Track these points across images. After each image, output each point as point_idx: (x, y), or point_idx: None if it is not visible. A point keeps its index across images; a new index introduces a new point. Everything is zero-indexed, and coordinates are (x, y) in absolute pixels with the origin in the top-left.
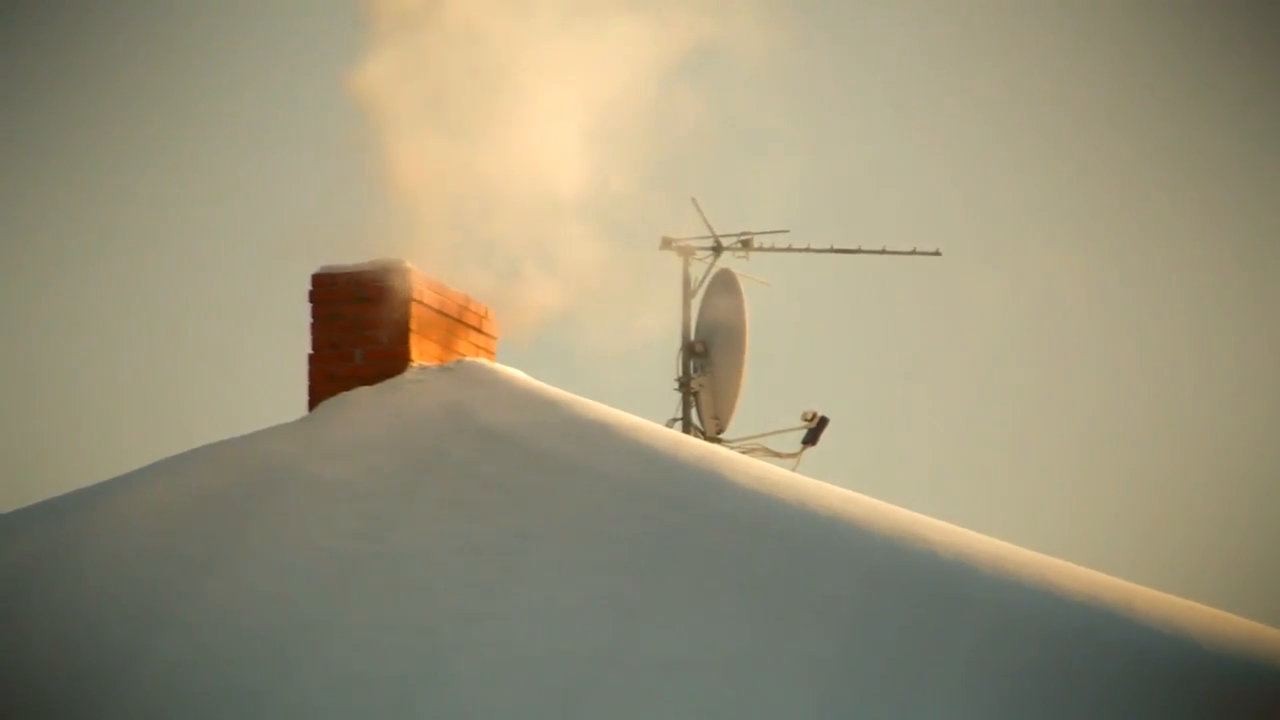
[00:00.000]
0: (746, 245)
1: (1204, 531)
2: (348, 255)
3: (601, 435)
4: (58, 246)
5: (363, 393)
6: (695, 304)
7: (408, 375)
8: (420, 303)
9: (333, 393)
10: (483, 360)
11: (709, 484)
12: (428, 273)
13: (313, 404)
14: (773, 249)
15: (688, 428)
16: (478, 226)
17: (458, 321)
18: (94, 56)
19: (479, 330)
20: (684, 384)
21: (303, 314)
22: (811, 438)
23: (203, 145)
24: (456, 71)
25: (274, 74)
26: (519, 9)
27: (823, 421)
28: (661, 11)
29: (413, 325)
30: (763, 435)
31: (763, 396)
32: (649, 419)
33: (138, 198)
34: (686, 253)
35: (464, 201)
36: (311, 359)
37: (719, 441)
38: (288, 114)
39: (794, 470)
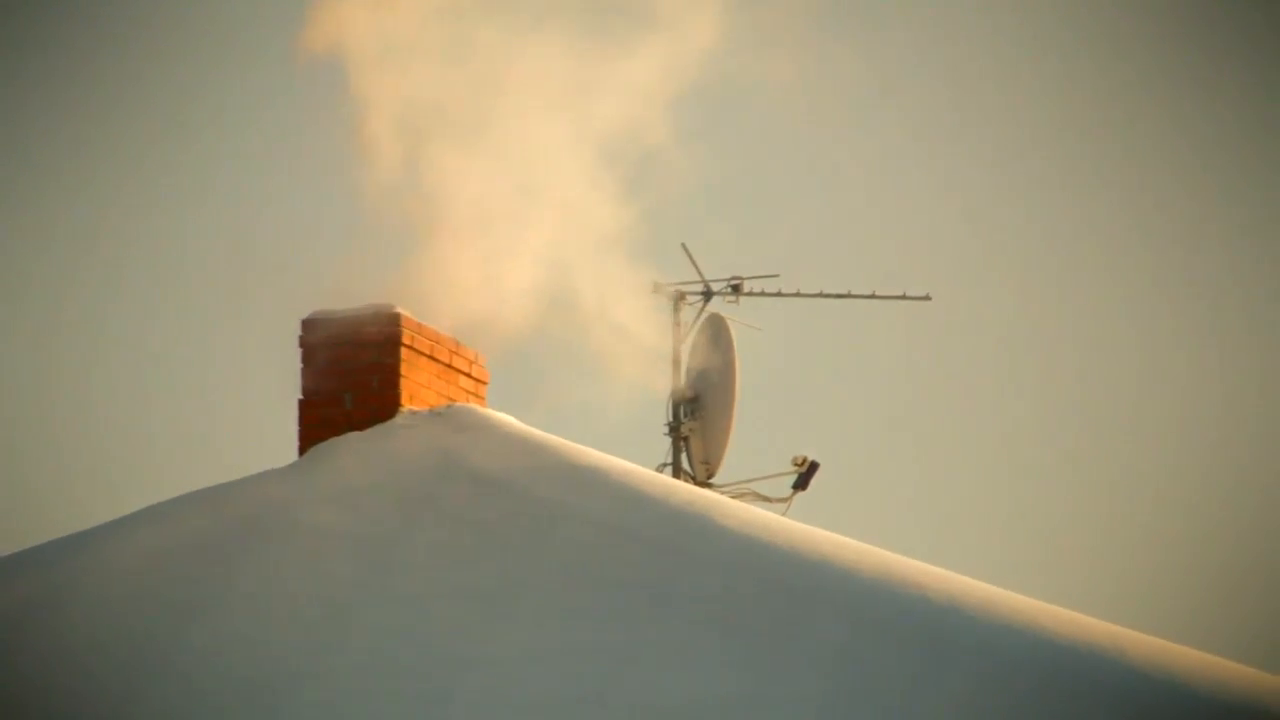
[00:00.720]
0: (737, 290)
1: (1198, 577)
2: (335, 283)
3: (592, 480)
4: (41, 287)
5: (353, 438)
6: (685, 349)
7: (398, 420)
8: (410, 347)
9: (323, 438)
10: (473, 405)
11: (699, 529)
12: (411, 307)
13: (303, 449)
14: (763, 294)
15: (678, 472)
16: (461, 261)
17: (448, 366)
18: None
19: (469, 375)
20: (674, 429)
21: (293, 358)
22: (802, 482)
23: (188, 170)
24: (454, 93)
25: (270, 92)
26: (523, 26)
27: (813, 466)
28: (656, 56)
29: (403, 370)
30: (753, 480)
31: (753, 441)
32: (639, 464)
33: (123, 239)
34: (677, 297)
35: (446, 241)
36: (301, 404)
37: (709, 486)
38: (283, 141)
39: (784, 515)
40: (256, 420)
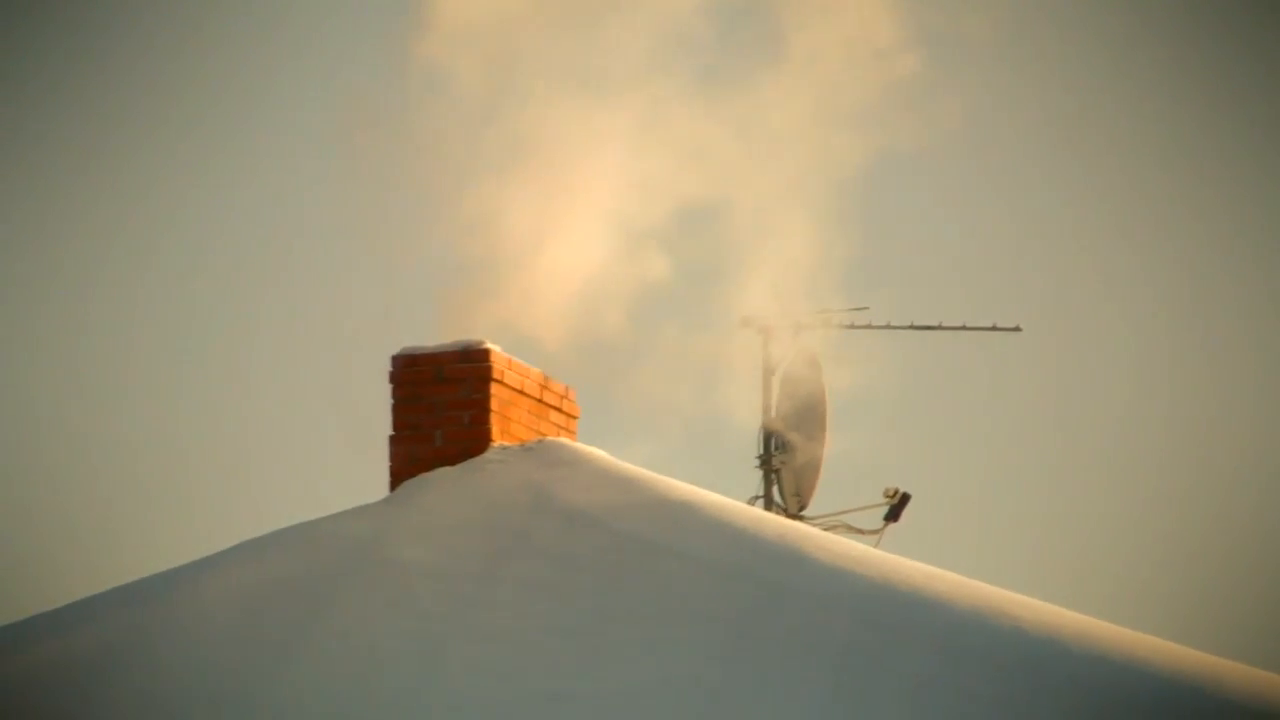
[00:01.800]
0: (826, 323)
1: None
2: (427, 328)
3: (684, 514)
4: (141, 323)
5: (444, 473)
6: (775, 382)
7: (489, 455)
8: (500, 382)
9: (414, 474)
10: (564, 440)
11: (791, 562)
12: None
13: (394, 485)
14: (852, 326)
15: (769, 505)
16: (550, 299)
17: (538, 401)
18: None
19: (559, 409)
20: (765, 462)
21: (384, 394)
22: (894, 514)
23: (273, 217)
24: (536, 126)
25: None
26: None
27: (905, 498)
28: (742, 88)
29: (493, 405)
30: (844, 512)
31: (844, 473)
32: (730, 497)
33: (222, 276)
34: (766, 331)
35: (539, 277)
36: (392, 440)
37: (801, 519)
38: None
39: (876, 547)
40: (347, 456)
